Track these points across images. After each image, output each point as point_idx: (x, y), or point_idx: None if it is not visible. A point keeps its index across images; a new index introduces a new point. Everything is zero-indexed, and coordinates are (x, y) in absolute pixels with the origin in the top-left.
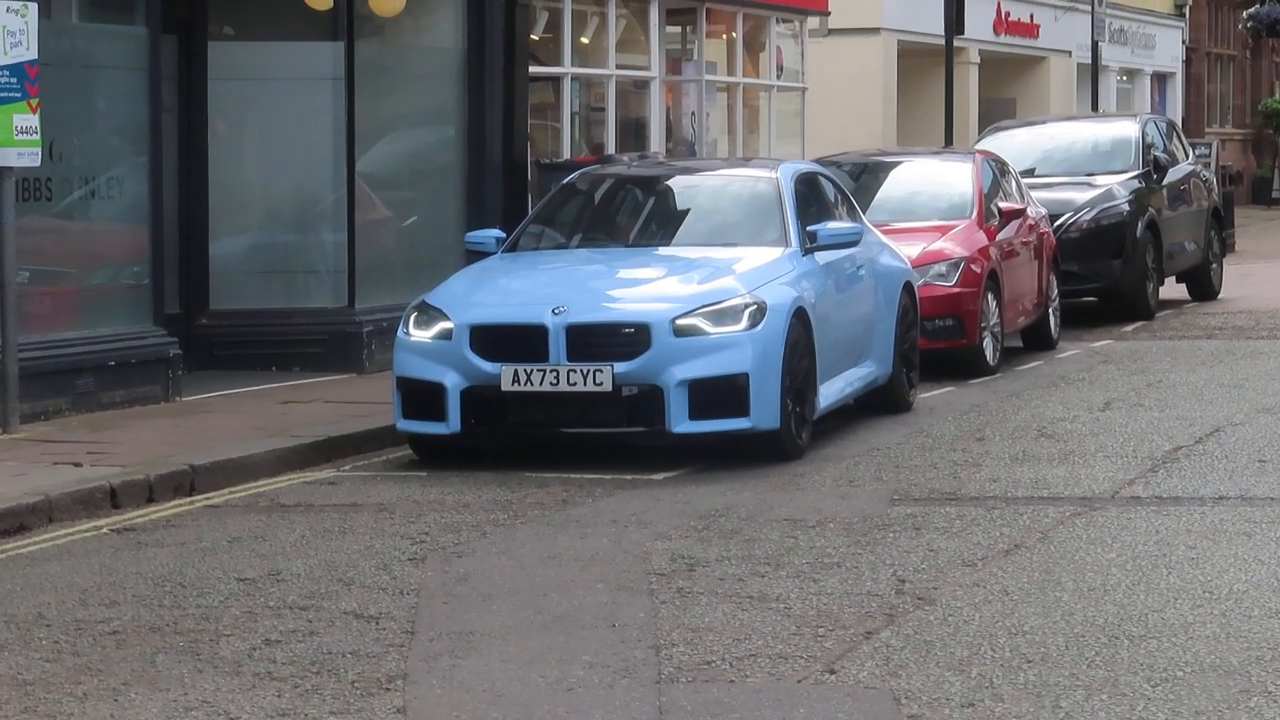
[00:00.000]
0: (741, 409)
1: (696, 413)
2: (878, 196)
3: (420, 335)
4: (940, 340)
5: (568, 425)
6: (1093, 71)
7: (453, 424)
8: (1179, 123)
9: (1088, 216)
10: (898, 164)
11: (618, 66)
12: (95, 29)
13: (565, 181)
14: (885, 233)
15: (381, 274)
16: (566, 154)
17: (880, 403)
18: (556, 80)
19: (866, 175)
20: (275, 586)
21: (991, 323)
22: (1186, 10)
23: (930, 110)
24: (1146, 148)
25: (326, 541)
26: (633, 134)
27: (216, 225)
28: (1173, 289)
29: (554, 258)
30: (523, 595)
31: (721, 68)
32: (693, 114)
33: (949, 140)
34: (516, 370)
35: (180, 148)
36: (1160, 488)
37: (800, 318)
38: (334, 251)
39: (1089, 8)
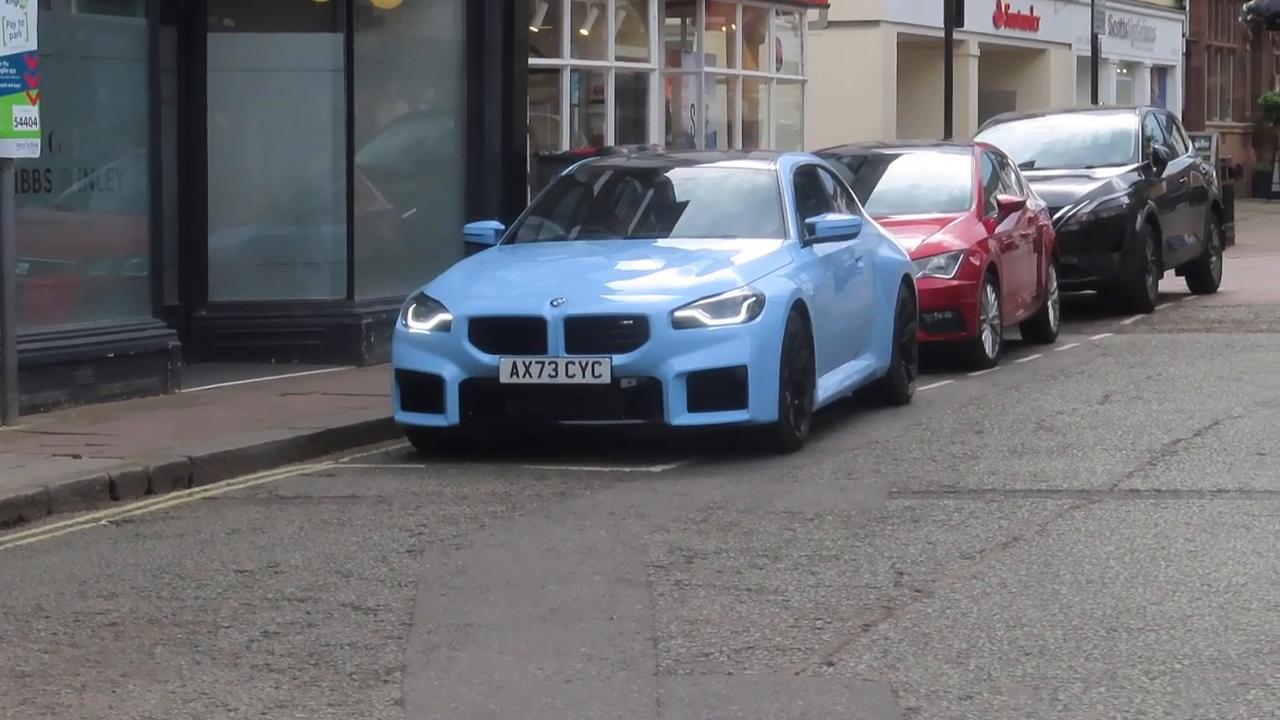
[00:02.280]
0: (740, 401)
1: (695, 405)
2: (877, 189)
3: (419, 327)
4: (939, 333)
5: (566, 417)
6: (1092, 64)
7: (451, 416)
8: (1179, 116)
9: (1087, 209)
10: (897, 156)
11: (617, 58)
12: (95, 20)
13: (564, 173)
14: (884, 225)
15: (381, 266)
16: (566, 146)
17: (879, 395)
18: (556, 72)
19: (866, 168)
20: (273, 578)
21: (990, 315)
22: (1186, 3)
23: (930, 103)
24: (1146, 140)
25: (325, 533)
26: (632, 126)
27: (216, 217)
28: (1172, 282)
29: (553, 250)
30: (521, 587)
31: (721, 60)
32: (692, 106)
33: (948, 133)
34: (515, 362)
35: (179, 139)
36: (1159, 481)
37: (799, 310)
38: (333, 243)
39: (1089, 0)
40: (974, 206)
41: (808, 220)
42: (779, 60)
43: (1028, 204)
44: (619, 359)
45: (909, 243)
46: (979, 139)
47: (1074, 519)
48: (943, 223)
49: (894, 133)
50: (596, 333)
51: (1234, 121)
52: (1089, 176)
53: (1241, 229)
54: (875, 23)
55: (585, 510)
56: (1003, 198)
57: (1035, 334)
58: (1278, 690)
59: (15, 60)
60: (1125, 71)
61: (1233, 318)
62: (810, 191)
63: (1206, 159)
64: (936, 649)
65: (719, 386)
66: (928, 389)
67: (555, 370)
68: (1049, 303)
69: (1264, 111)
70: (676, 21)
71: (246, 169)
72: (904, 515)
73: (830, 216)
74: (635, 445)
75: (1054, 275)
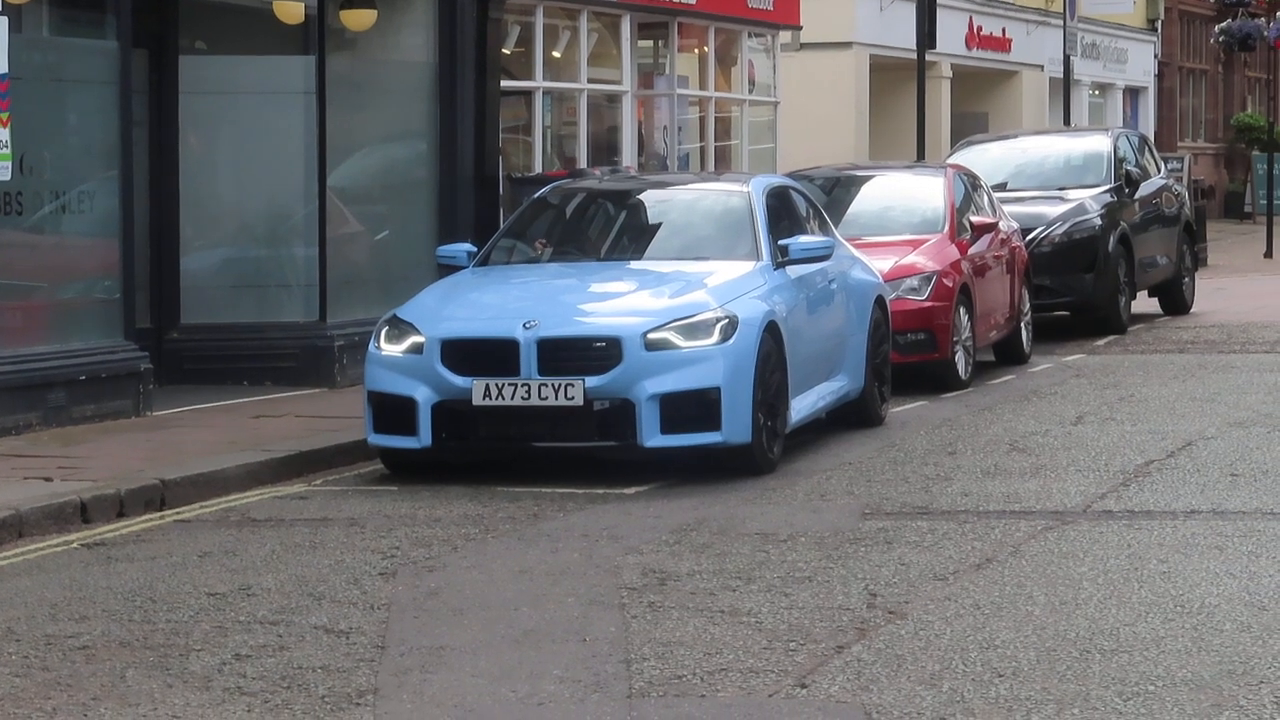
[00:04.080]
0: (713, 423)
1: (668, 427)
2: (850, 210)
3: (391, 349)
4: (912, 354)
5: (539, 439)
6: (1065, 86)
7: (424, 438)
8: (1151, 137)
9: (1060, 230)
10: (870, 178)
11: (590, 80)
12: (66, 43)
13: (537, 195)
14: (857, 247)
15: (353, 288)
16: (538, 168)
17: (852, 417)
18: (528, 94)
19: (839, 189)
20: (245, 601)
21: (963, 337)
22: (1159, 25)
23: (902, 124)
24: (1119, 162)
25: (297, 556)
26: (605, 148)
27: (188, 239)
28: (1145, 303)
29: (525, 272)
30: (493, 610)
31: (693, 82)
32: (665, 128)
33: (921, 154)
34: (488, 384)
35: (151, 162)
36: (1132, 502)
37: (772, 332)
38: (305, 266)
39: (1061, 22)
40: (946, 228)
41: (780, 242)
42: (751, 82)
43: (1000, 225)
44: (592, 381)
45: (882, 264)
46: (951, 160)
47: (1047, 540)
48: (915, 244)
49: (867, 154)
50: (569, 355)
51: (1206, 143)
52: (1062, 198)
53: (1214, 250)
54: (847, 44)
55: (558, 532)
56: (975, 219)
57: (1008, 355)
58: (1250, 711)
59: None
60: (1097, 93)
61: (1205, 338)
62: (783, 213)
63: (1179, 180)
64: (910, 671)
65: (692, 408)
66: (901, 410)
67: (528, 392)
68: (1022, 324)
69: (1236, 133)
70: (649, 43)
71: (219, 191)
72: (877, 537)
73: (803, 238)
74: (608, 467)
75: (1027, 296)
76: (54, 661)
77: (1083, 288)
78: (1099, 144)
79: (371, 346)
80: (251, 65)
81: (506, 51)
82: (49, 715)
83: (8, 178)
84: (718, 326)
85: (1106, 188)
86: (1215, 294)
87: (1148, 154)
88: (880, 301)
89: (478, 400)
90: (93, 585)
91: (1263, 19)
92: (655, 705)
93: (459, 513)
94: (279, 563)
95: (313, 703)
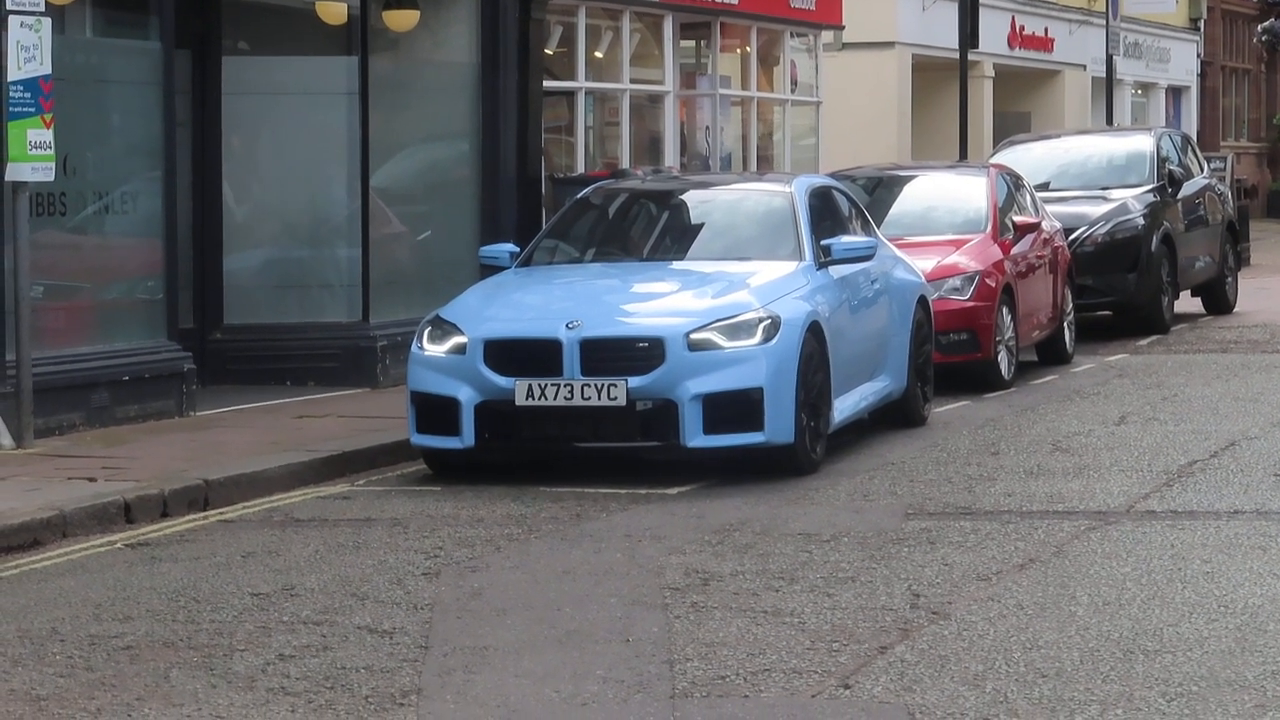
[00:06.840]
0: (756, 423)
1: (711, 427)
2: (892, 210)
3: (434, 350)
4: (955, 354)
5: (582, 440)
6: (1107, 85)
7: (466, 438)
8: (1194, 136)
9: (1102, 230)
10: (912, 178)
11: (632, 81)
12: (109, 44)
13: (579, 196)
14: (900, 247)
15: (396, 288)
16: (581, 168)
17: (895, 417)
18: (571, 95)
19: (881, 189)
20: (289, 601)
21: (1006, 337)
22: (1201, 24)
23: (945, 124)
24: (1161, 161)
25: (340, 556)
26: (647, 148)
27: (230, 240)
28: (1188, 303)
29: (568, 272)
30: (536, 610)
31: (736, 82)
32: (707, 128)
33: (963, 154)
34: (530, 385)
35: (194, 162)
36: (1175, 502)
37: (814, 332)
38: (348, 266)
39: (1104, 22)
40: (989, 228)
41: (823, 242)
42: (794, 82)
43: (1043, 225)
44: (635, 381)
45: (924, 264)
46: (994, 160)
47: (1090, 540)
48: (958, 244)
49: (909, 154)
50: (612, 355)
51: (1249, 142)
52: (1104, 198)
53: (1257, 249)
54: (890, 44)
55: (601, 532)
56: (1018, 219)
57: (1051, 355)
58: None
59: (30, 84)
60: (1140, 92)
61: (1249, 338)
62: (825, 213)
63: (1221, 179)
64: (953, 671)
65: (735, 408)
66: (943, 410)
67: (571, 393)
68: (1065, 324)
69: (1279, 132)
70: (691, 44)
71: (261, 192)
72: (920, 537)
73: (845, 238)
74: (651, 467)
75: (1069, 296)
76: (98, 661)
77: (1125, 287)
78: (1142, 144)
79: (414, 347)
80: (294, 66)
81: (549, 52)
82: (93, 715)
83: (51, 178)
84: (760, 327)
85: (1149, 187)
86: (1258, 293)
87: (1190, 153)
88: (923, 301)
89: (520, 400)
90: (136, 585)
91: None
92: (698, 705)
93: (502, 513)
94: (322, 563)
95: (356, 703)
